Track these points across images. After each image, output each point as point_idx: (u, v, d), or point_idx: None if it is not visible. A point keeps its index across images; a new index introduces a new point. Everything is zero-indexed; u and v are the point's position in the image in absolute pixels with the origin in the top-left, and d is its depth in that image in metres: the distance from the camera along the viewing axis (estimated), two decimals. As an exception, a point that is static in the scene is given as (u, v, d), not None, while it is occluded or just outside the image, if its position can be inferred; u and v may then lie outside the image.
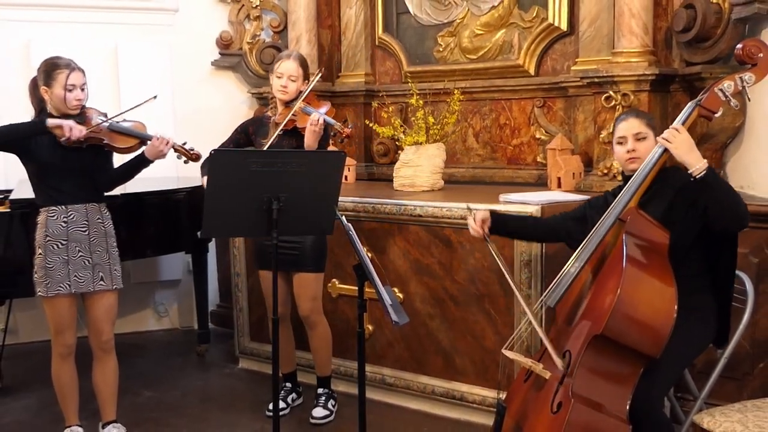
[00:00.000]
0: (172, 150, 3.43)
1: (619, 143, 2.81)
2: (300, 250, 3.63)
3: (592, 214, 2.87)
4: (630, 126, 2.79)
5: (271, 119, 3.73)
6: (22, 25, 5.03)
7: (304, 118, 3.56)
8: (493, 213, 3.07)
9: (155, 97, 3.43)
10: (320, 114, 3.49)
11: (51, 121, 3.18)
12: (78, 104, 3.27)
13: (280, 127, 3.58)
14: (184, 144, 3.50)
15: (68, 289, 3.27)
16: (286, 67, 3.65)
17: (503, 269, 2.87)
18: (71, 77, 3.23)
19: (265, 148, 3.54)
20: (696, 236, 2.66)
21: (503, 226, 3.10)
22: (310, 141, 3.48)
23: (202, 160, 3.48)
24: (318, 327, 3.78)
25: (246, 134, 3.79)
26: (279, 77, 3.65)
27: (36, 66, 3.32)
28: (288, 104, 3.67)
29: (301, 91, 3.68)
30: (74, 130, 3.17)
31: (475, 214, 3.02)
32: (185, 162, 3.52)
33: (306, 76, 3.73)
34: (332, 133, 3.55)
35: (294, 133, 3.61)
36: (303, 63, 3.72)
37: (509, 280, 2.85)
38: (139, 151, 3.42)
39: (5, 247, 3.75)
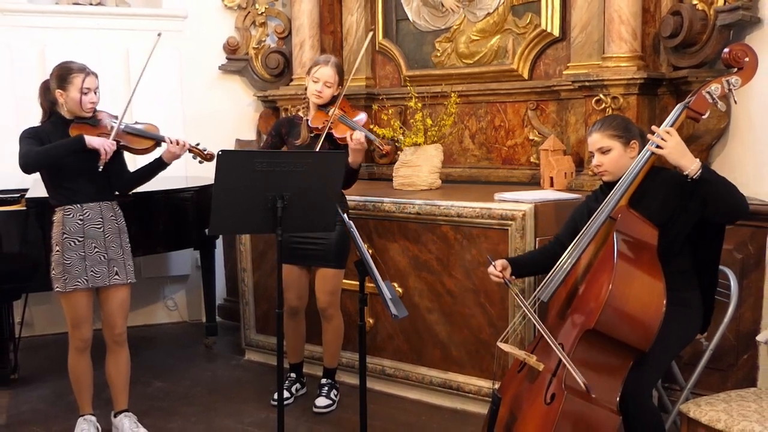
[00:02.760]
0: (187, 152, 3.41)
1: (591, 155, 2.82)
2: (325, 247, 3.61)
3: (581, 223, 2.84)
4: (593, 141, 2.78)
5: (303, 120, 3.71)
6: (37, 32, 5.02)
7: (339, 126, 3.55)
8: (510, 259, 2.98)
9: (159, 35, 3.44)
10: (361, 131, 3.46)
11: (89, 140, 3.14)
12: (92, 107, 3.26)
13: (323, 134, 3.55)
14: (198, 145, 3.47)
15: (86, 284, 3.25)
16: (323, 72, 3.61)
17: (526, 310, 2.72)
18: (86, 81, 3.21)
19: (296, 147, 3.56)
20: (688, 233, 2.65)
21: (522, 268, 2.99)
22: (355, 158, 3.49)
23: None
24: (333, 320, 3.76)
25: (279, 136, 3.77)
26: (315, 82, 3.62)
27: (50, 71, 3.30)
28: (321, 108, 3.65)
29: (335, 96, 3.66)
30: (107, 147, 3.16)
31: (495, 263, 2.90)
32: (200, 162, 3.49)
33: (341, 83, 3.70)
34: (372, 149, 3.51)
35: (328, 137, 3.59)
36: (339, 70, 3.68)
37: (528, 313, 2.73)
38: (154, 152, 3.40)
39: (21, 244, 3.74)
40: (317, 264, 3.68)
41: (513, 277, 2.91)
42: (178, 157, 3.38)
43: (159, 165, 3.40)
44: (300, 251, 3.62)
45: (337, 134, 3.56)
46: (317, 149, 3.54)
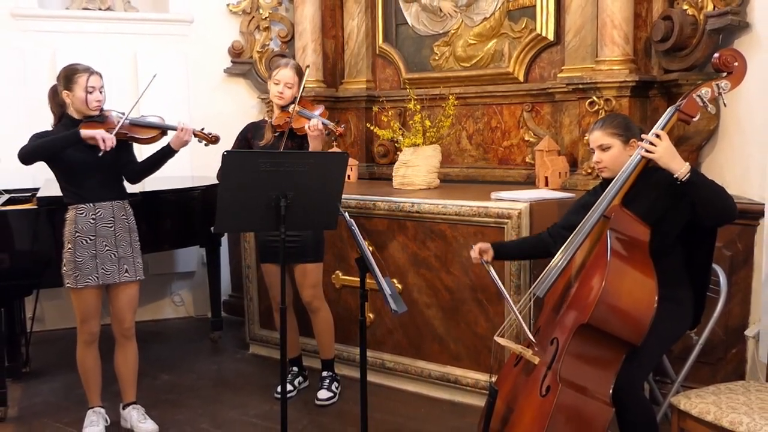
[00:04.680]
0: (193, 137, 3.41)
1: (592, 151, 2.81)
2: (301, 243, 3.62)
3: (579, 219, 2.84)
4: (594, 138, 2.78)
5: (268, 122, 3.73)
6: (49, 36, 5.02)
7: (299, 120, 3.57)
8: (494, 244, 3.01)
9: (155, 75, 3.44)
10: (317, 118, 3.49)
11: (85, 133, 3.15)
12: (98, 105, 3.26)
13: (285, 130, 3.56)
14: (203, 129, 3.48)
15: (96, 281, 3.25)
16: (283, 74, 3.65)
17: (501, 290, 2.81)
18: (91, 80, 3.22)
19: (260, 147, 3.56)
20: (679, 232, 2.65)
21: (504, 251, 3.06)
22: (315, 145, 3.48)
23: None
24: (320, 312, 3.77)
25: (246, 140, 3.76)
26: (276, 84, 3.65)
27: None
28: (284, 108, 3.66)
29: (295, 97, 3.68)
30: (107, 141, 3.15)
31: (474, 246, 2.98)
32: (206, 145, 3.51)
33: (300, 83, 3.72)
34: (326, 132, 3.54)
35: (291, 135, 3.60)
36: (299, 71, 3.72)
37: (507, 298, 2.80)
38: (161, 141, 3.40)
39: (33, 242, 3.73)
40: (296, 261, 3.68)
41: (491, 260, 2.95)
42: (185, 142, 3.37)
43: (168, 152, 3.38)
44: (278, 250, 3.61)
45: (296, 126, 3.58)
46: (281, 147, 3.55)
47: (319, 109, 3.68)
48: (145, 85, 4.87)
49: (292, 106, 3.61)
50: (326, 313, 3.80)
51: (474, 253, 2.96)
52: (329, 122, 3.51)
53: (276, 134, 3.64)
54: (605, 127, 2.76)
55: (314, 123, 3.46)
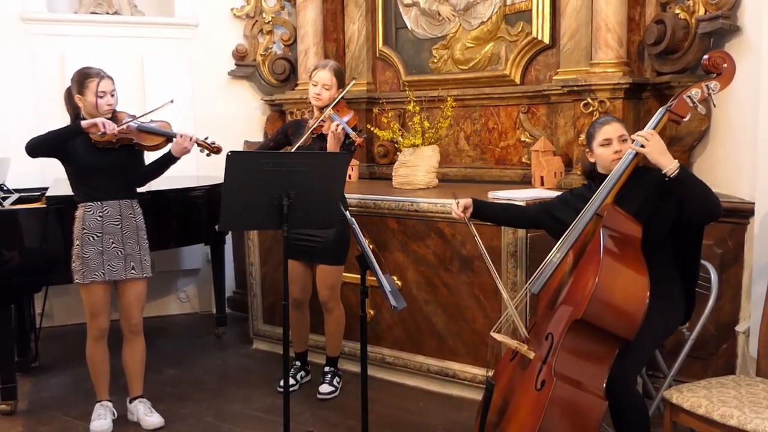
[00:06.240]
0: (195, 145, 3.39)
1: (603, 145, 2.74)
2: (322, 244, 3.62)
3: (563, 212, 2.86)
4: (614, 129, 2.74)
5: (308, 122, 3.71)
6: (57, 39, 5.01)
7: (330, 124, 3.55)
8: (475, 200, 3.06)
9: (172, 101, 3.40)
10: (341, 122, 3.46)
11: (85, 123, 3.17)
12: (109, 109, 3.27)
13: (310, 130, 3.57)
14: (206, 139, 3.45)
15: (103, 276, 3.26)
16: (321, 76, 3.62)
17: (482, 252, 2.87)
18: (101, 85, 3.22)
19: (293, 149, 3.54)
20: (668, 230, 2.65)
21: (484, 211, 3.09)
22: (331, 146, 3.47)
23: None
24: (334, 312, 3.77)
25: (285, 135, 3.76)
26: (314, 85, 3.63)
27: (70, 77, 3.31)
28: (322, 110, 3.65)
29: (334, 99, 3.66)
30: (107, 126, 3.15)
31: (459, 201, 3.03)
32: (207, 155, 3.47)
33: (340, 85, 3.68)
34: (347, 141, 3.53)
35: (324, 137, 3.58)
36: (337, 73, 3.67)
37: (488, 263, 2.85)
38: (166, 148, 3.40)
39: (42, 240, 3.73)
40: (317, 261, 3.69)
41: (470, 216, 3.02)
42: (186, 150, 3.36)
43: (169, 159, 3.38)
44: (301, 248, 3.62)
45: (325, 131, 3.56)
46: (296, 147, 3.53)
47: (348, 115, 3.63)
48: (152, 87, 4.87)
49: (327, 109, 3.61)
50: (340, 314, 3.79)
51: (458, 210, 3.00)
52: (352, 131, 3.49)
53: (314, 136, 3.62)
54: (620, 120, 2.78)
55: (334, 125, 3.45)
